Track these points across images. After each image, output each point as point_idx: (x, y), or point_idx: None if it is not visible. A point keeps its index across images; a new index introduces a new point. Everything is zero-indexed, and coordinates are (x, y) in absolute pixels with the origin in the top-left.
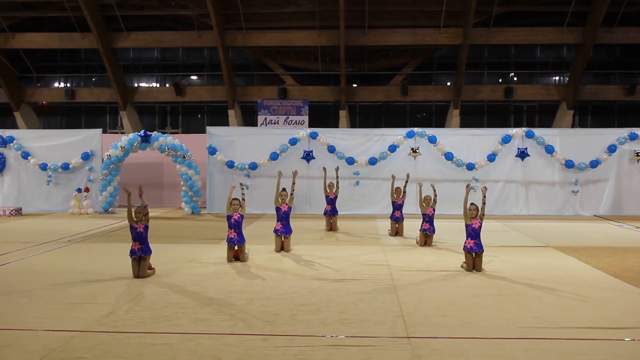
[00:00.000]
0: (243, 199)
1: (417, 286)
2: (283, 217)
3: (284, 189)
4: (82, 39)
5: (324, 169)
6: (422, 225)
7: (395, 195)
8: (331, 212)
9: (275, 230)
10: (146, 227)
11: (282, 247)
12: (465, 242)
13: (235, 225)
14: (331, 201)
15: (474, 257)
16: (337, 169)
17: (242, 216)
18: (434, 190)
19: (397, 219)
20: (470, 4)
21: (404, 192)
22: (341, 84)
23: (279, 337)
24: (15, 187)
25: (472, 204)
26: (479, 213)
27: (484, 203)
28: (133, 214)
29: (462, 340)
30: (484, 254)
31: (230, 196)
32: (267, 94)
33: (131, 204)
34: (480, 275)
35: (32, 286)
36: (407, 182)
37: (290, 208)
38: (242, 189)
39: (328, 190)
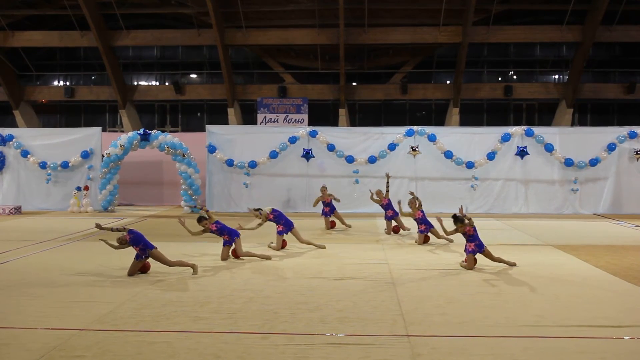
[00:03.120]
0: (207, 210)
1: (416, 284)
2: (278, 219)
3: (256, 209)
4: (82, 37)
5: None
6: (418, 228)
7: (377, 197)
8: (330, 212)
9: (279, 232)
10: (130, 232)
11: (283, 246)
12: (466, 246)
13: (220, 230)
14: (328, 204)
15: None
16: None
17: (217, 222)
18: (414, 196)
19: (390, 218)
20: (470, 2)
21: (387, 191)
22: (341, 83)
23: (279, 335)
24: (14, 185)
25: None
26: (463, 225)
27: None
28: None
29: (462, 338)
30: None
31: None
32: (266, 92)
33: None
34: (479, 274)
35: (31, 285)
36: (387, 181)
37: (275, 210)
38: (201, 207)
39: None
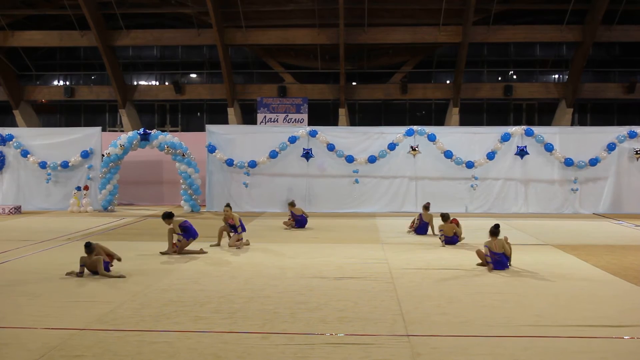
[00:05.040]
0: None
1: (416, 284)
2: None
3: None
4: (82, 37)
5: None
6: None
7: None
8: (299, 224)
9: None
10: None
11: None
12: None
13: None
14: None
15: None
16: None
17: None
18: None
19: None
20: (470, 2)
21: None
22: (340, 82)
23: (279, 335)
24: (14, 185)
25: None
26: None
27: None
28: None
29: (462, 338)
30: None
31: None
32: (266, 92)
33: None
34: (479, 274)
35: (31, 284)
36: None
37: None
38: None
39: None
